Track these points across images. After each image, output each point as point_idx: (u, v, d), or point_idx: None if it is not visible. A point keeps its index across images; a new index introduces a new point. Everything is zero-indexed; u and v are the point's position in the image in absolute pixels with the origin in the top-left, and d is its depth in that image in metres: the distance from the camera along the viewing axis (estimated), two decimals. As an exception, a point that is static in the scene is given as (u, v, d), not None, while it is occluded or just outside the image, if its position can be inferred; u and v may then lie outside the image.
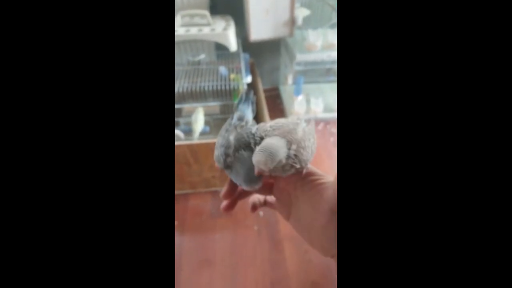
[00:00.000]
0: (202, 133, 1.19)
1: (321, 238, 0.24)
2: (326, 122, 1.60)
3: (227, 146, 0.25)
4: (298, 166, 0.24)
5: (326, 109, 1.58)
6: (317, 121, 1.59)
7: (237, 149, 0.25)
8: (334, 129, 1.55)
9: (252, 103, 0.31)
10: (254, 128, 0.27)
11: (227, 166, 0.26)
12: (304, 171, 0.26)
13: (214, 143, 1.03)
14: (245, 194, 0.29)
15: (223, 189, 0.27)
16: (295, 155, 0.24)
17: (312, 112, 1.55)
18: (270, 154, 0.22)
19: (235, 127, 0.27)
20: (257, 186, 0.25)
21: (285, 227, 1.11)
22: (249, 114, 0.30)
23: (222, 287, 0.95)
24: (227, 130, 0.27)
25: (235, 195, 0.28)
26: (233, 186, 0.27)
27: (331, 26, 1.38)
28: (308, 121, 0.28)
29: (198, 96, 1.16)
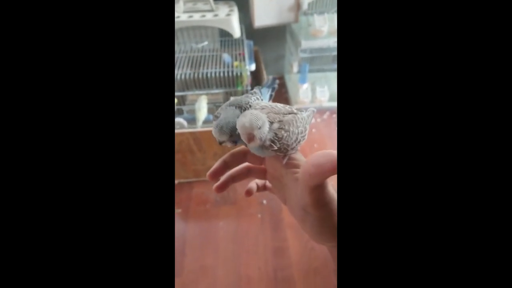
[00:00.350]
0: (206, 121, 1.19)
1: (304, 228, 0.24)
2: (332, 111, 1.57)
3: (225, 104, 0.28)
4: (275, 147, 0.23)
5: (332, 98, 1.55)
6: (323, 110, 1.57)
7: (228, 105, 0.27)
8: (339, 118, 1.53)
9: (274, 89, 0.33)
10: (252, 99, 0.28)
11: (216, 117, 0.27)
12: (286, 159, 0.25)
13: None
14: (239, 177, 0.28)
15: (210, 169, 0.26)
16: (275, 134, 0.23)
17: (317, 101, 1.52)
18: (253, 118, 0.22)
19: (243, 95, 0.29)
20: (223, 138, 0.25)
21: (288, 216, 1.11)
22: (265, 96, 0.31)
23: (226, 273, 0.97)
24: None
25: (227, 177, 0.27)
26: (220, 167, 0.27)
27: (338, 11, 1.34)
28: (308, 110, 0.28)
29: (201, 83, 1.15)
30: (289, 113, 0.25)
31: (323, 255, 1.00)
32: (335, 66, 1.58)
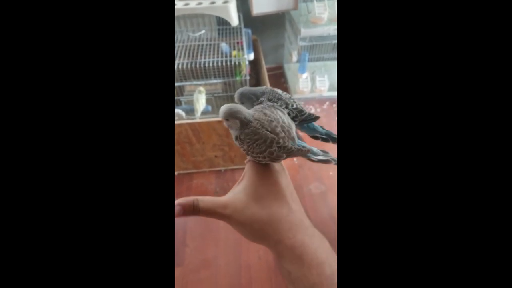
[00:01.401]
0: (205, 112, 1.18)
1: None
2: (332, 101, 1.56)
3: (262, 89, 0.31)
4: (238, 144, 0.27)
5: (332, 88, 1.53)
6: (323, 100, 1.56)
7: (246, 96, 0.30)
8: (339, 108, 1.52)
9: (315, 137, 0.31)
10: (269, 105, 0.28)
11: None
12: (246, 160, 0.28)
13: (216, 122, 1.02)
14: None
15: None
16: (240, 134, 0.26)
17: (317, 91, 1.50)
18: (231, 109, 0.25)
19: (279, 100, 0.29)
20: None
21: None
22: (308, 129, 0.31)
23: (226, 262, 0.98)
24: (279, 100, 0.30)
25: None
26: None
27: (339, -2, 1.30)
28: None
29: (199, 73, 1.13)
30: (273, 133, 0.25)
31: (323, 244, 1.01)
32: (335, 54, 1.55)
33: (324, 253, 0.23)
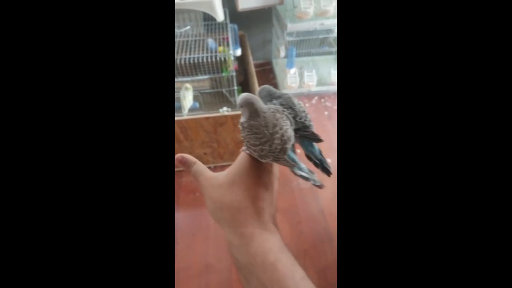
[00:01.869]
0: (192, 109, 1.16)
1: None
2: (320, 95, 1.56)
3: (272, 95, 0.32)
4: (240, 129, 0.28)
5: (320, 83, 1.54)
6: (311, 95, 1.56)
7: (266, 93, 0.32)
8: (328, 103, 1.52)
9: (308, 149, 0.31)
10: (283, 111, 0.29)
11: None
12: (242, 148, 0.29)
13: (203, 119, 1.01)
14: None
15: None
16: (244, 122, 0.27)
17: (305, 86, 1.51)
18: (248, 98, 0.27)
19: (290, 108, 0.29)
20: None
21: (277, 200, 1.12)
22: (307, 147, 0.31)
23: (217, 259, 0.98)
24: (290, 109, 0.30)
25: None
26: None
27: (324, -8, 1.30)
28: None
29: (185, 70, 1.12)
30: (271, 136, 0.26)
31: (312, 238, 1.02)
32: (323, 49, 1.56)
33: (271, 243, 0.25)
